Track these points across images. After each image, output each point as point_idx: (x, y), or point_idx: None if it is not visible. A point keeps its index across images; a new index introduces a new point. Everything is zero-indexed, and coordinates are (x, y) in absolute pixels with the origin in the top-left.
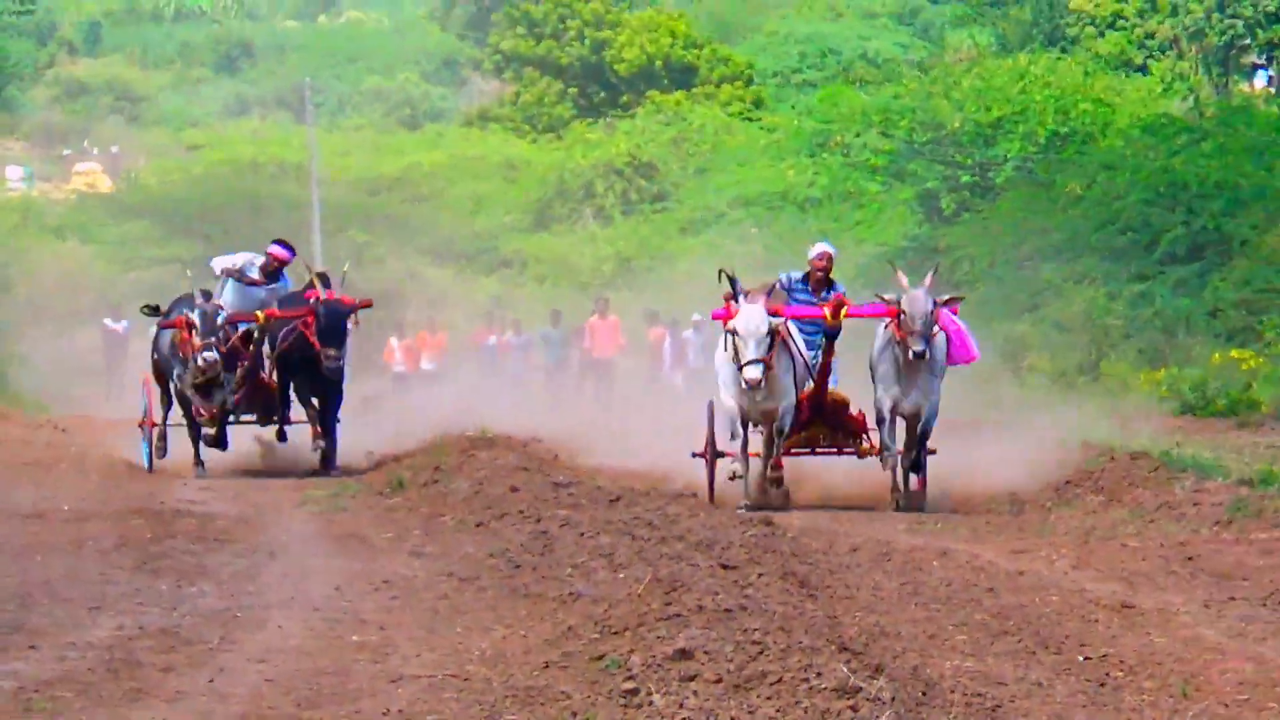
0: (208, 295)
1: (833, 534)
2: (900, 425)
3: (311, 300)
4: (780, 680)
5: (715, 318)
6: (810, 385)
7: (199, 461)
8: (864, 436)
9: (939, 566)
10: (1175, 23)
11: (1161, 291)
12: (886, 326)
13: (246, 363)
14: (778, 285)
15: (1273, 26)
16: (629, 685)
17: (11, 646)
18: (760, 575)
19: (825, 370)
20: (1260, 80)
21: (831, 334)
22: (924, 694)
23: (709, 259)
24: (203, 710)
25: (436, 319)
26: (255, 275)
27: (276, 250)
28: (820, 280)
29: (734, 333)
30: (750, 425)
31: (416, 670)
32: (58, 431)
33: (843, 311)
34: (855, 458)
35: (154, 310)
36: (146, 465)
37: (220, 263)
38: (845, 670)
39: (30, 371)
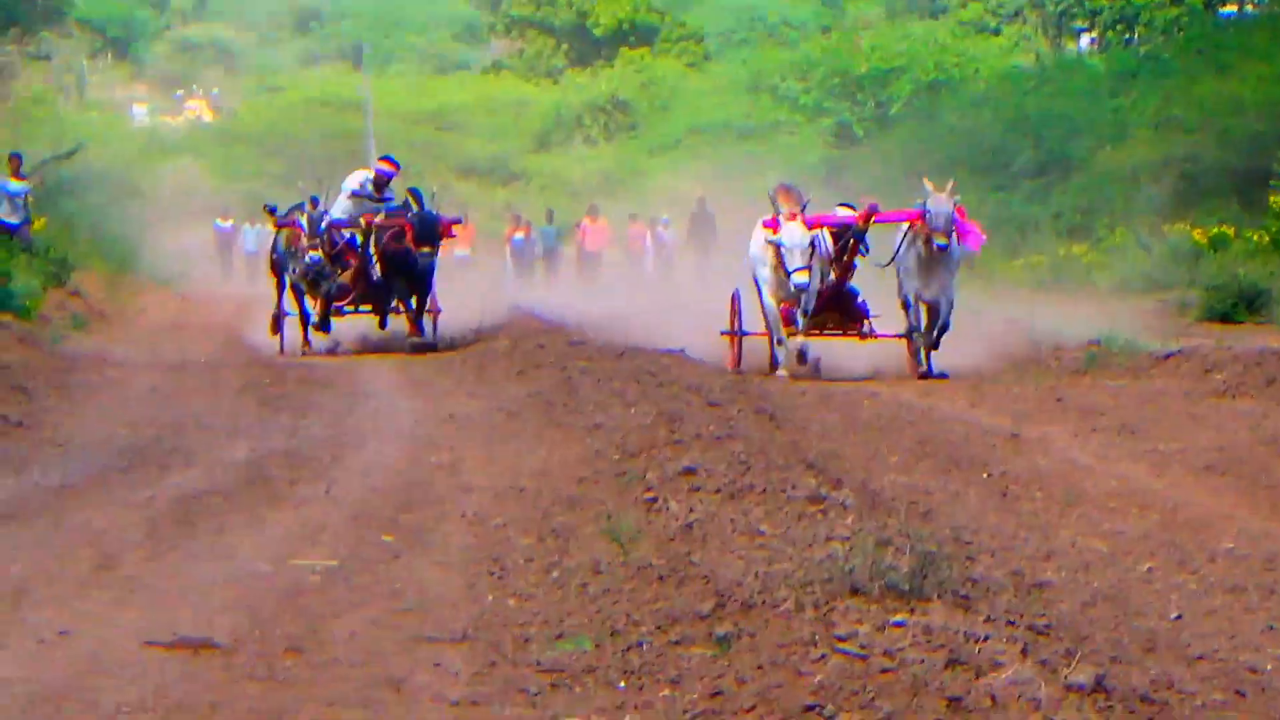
0: (316, 202)
1: (783, 379)
2: (922, 310)
3: (408, 214)
4: (765, 490)
5: (766, 226)
6: (831, 277)
7: (307, 341)
8: (866, 323)
9: (869, 405)
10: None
11: (1016, 200)
12: (910, 228)
13: (355, 263)
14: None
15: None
16: (649, 495)
17: (173, 464)
18: (739, 410)
19: (848, 266)
20: (1084, 41)
21: (860, 235)
22: (873, 501)
23: (671, 173)
24: (322, 512)
25: (467, 216)
26: (369, 190)
27: (383, 166)
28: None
29: (780, 244)
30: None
31: (483, 482)
32: (186, 302)
33: (872, 217)
34: (857, 338)
35: (272, 210)
36: (284, 349)
37: (348, 182)
38: (814, 482)
39: (160, 258)
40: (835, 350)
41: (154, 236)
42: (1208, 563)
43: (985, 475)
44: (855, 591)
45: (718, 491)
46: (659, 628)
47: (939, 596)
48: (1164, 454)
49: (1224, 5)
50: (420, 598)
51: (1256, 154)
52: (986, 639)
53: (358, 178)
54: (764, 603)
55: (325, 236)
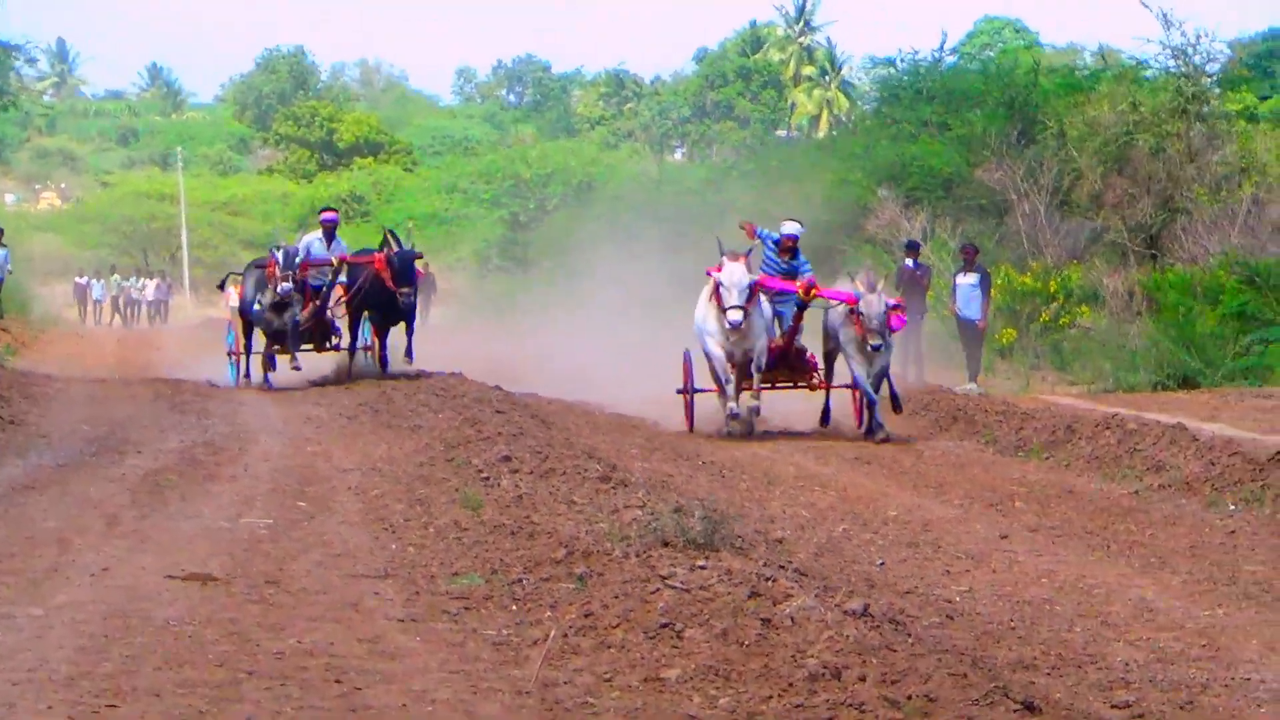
0: (294, 248)
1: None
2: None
3: (386, 253)
4: (565, 473)
5: (708, 273)
6: (778, 335)
7: (266, 377)
8: (815, 375)
9: (603, 415)
10: (633, 123)
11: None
12: (849, 312)
13: (316, 303)
14: (757, 238)
15: (686, 125)
16: (482, 475)
17: (128, 451)
18: (520, 417)
19: (795, 331)
20: (679, 155)
21: (801, 306)
22: (650, 480)
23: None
24: (248, 486)
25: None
26: (319, 245)
27: (327, 214)
28: (788, 250)
29: (720, 284)
30: (732, 366)
31: (350, 465)
32: (80, 338)
33: (813, 291)
34: (808, 390)
35: (222, 284)
36: (233, 383)
37: (301, 241)
38: (599, 467)
39: (37, 304)
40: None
41: (33, 289)
42: (883, 525)
43: (702, 463)
44: (665, 544)
45: (531, 473)
46: (527, 569)
47: (726, 548)
48: (820, 448)
49: (778, 130)
50: (343, 547)
51: (830, 235)
52: (772, 578)
53: (310, 238)
54: (599, 552)
55: (296, 271)
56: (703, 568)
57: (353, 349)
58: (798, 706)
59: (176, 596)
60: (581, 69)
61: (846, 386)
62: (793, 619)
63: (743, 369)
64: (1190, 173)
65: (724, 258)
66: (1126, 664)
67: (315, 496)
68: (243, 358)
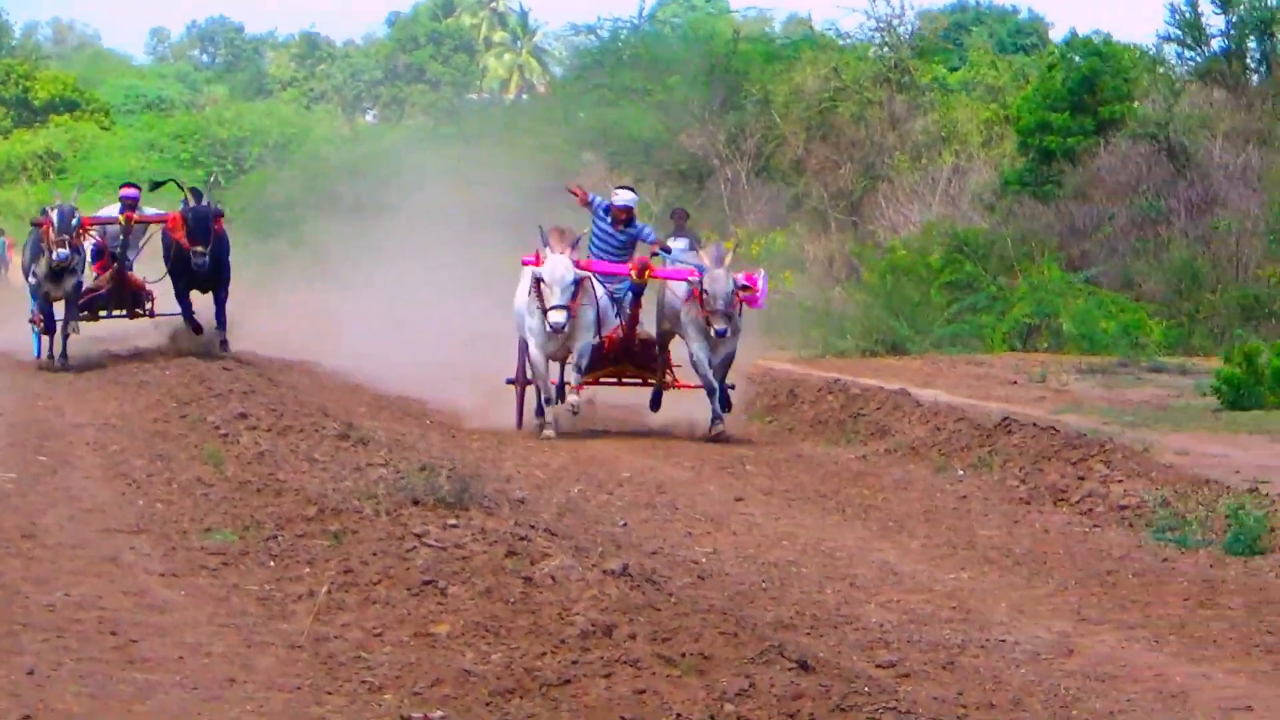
0: (70, 207)
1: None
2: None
3: (181, 210)
4: (303, 430)
5: (525, 264)
6: (615, 325)
7: (64, 354)
8: (669, 371)
9: (326, 373)
10: (325, 85)
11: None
12: (690, 289)
13: (112, 266)
14: (589, 205)
15: (378, 88)
16: (220, 431)
17: None
18: (249, 374)
19: (634, 319)
20: (370, 117)
21: (638, 290)
22: (391, 439)
23: (93, 206)
24: None
25: None
26: (117, 212)
27: (125, 190)
28: (622, 220)
29: (540, 280)
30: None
31: (84, 421)
32: None
33: (647, 272)
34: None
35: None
36: (35, 354)
37: (101, 212)
38: (335, 425)
39: None
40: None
41: None
42: (618, 487)
43: (429, 422)
44: (416, 502)
45: (269, 430)
46: (279, 526)
47: (475, 507)
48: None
49: (469, 94)
50: (92, 502)
51: (536, 199)
52: (527, 538)
53: (106, 210)
54: (350, 509)
55: (75, 233)
56: (455, 526)
57: (187, 317)
58: (574, 663)
59: None
60: (274, 31)
61: (699, 386)
62: (553, 578)
63: (564, 370)
64: (892, 141)
65: (546, 248)
66: (882, 625)
67: (54, 451)
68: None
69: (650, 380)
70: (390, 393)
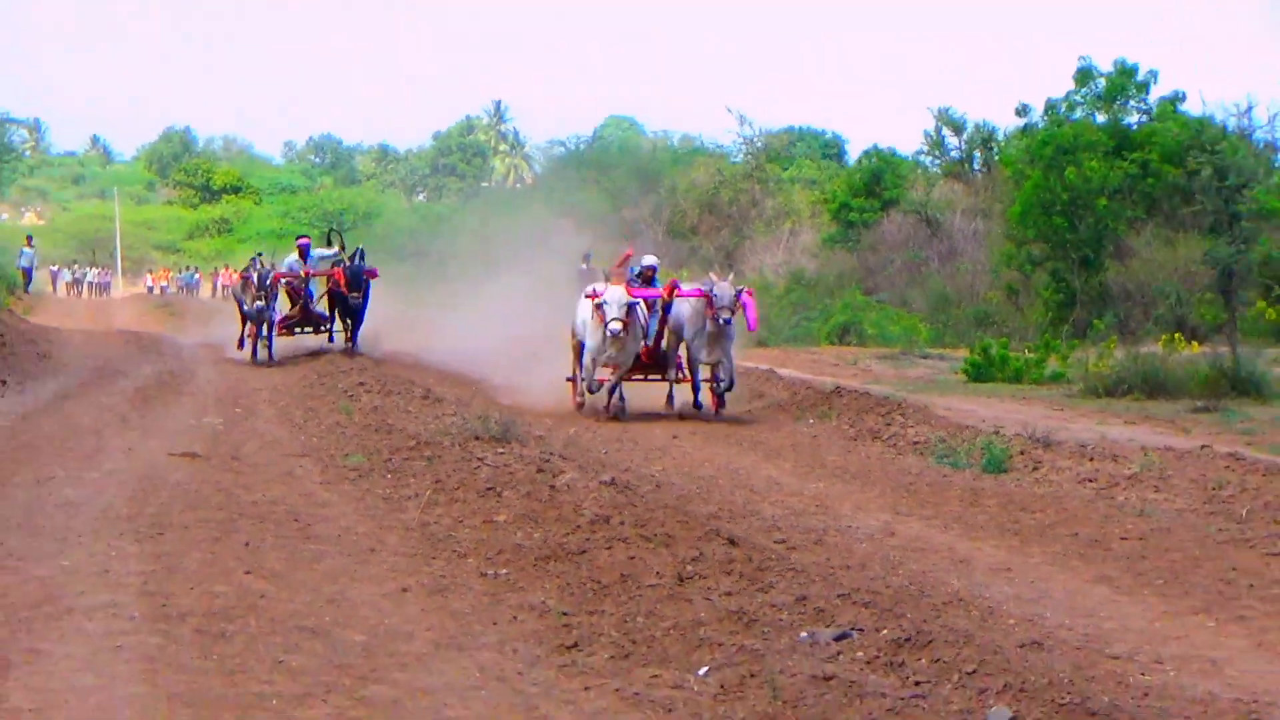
0: (256, 263)
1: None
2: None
3: (342, 267)
4: (401, 394)
5: (588, 297)
6: (650, 341)
7: (270, 356)
8: (679, 371)
9: (388, 362)
10: (393, 177)
11: None
12: (698, 310)
13: (302, 299)
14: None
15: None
16: (348, 393)
17: (120, 376)
18: (359, 361)
19: (660, 335)
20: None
21: (666, 307)
22: (457, 397)
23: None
24: (201, 399)
25: None
26: (297, 262)
27: (301, 240)
28: (647, 280)
29: (605, 302)
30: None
31: (260, 387)
32: (56, 304)
33: (675, 292)
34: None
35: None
36: (252, 359)
37: (284, 262)
38: (418, 388)
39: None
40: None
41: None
42: (600, 428)
43: (477, 389)
44: (477, 438)
45: (379, 392)
46: (392, 453)
47: (515, 440)
48: (554, 386)
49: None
50: (273, 436)
51: (529, 247)
52: (549, 459)
53: (290, 259)
54: (435, 442)
55: (269, 289)
56: (502, 453)
57: (331, 334)
58: (586, 539)
59: (178, 466)
60: (361, 143)
61: (706, 381)
62: (569, 486)
63: (618, 378)
64: (753, 214)
65: (605, 283)
66: (774, 516)
67: (246, 406)
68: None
69: (665, 378)
70: (456, 372)
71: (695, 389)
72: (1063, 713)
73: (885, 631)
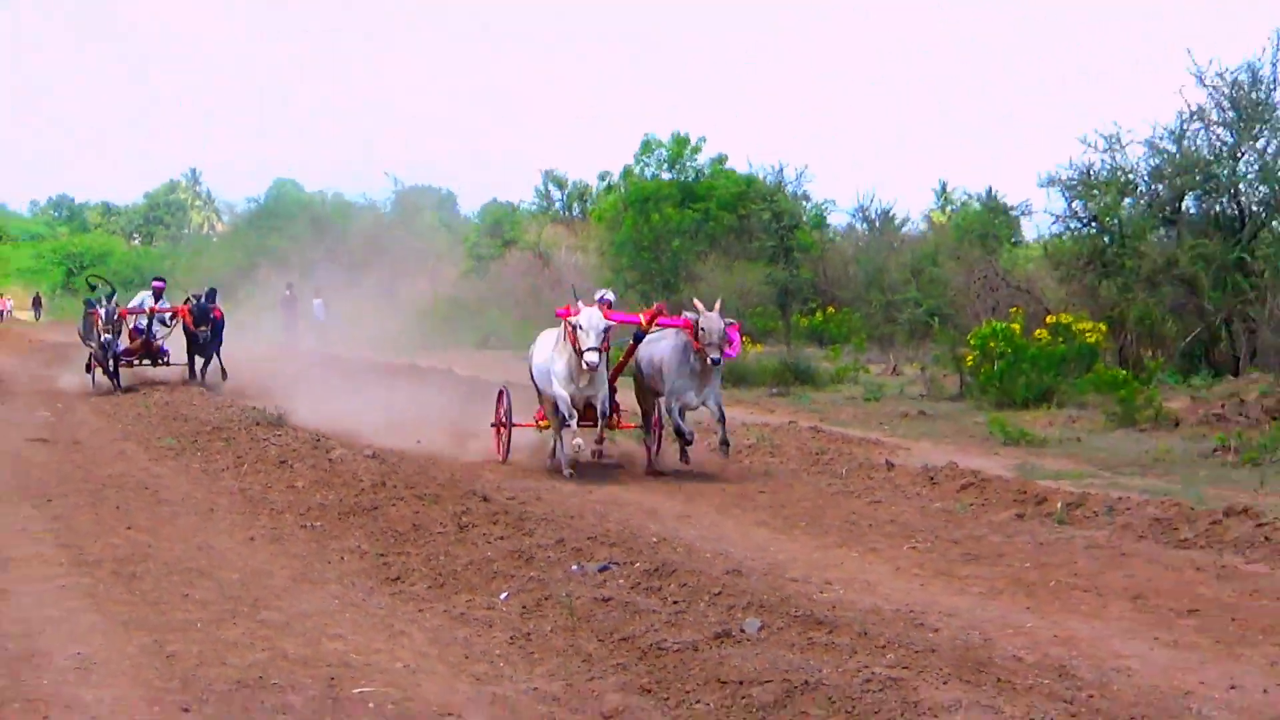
0: (111, 297)
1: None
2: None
3: (189, 305)
4: (192, 392)
5: (559, 315)
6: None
7: (117, 385)
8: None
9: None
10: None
11: None
12: (680, 342)
13: (143, 336)
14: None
15: None
16: (165, 399)
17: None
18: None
19: (625, 361)
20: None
21: (639, 337)
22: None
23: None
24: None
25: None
26: (150, 298)
27: (156, 283)
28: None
29: (579, 326)
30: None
31: (93, 398)
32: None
33: (654, 321)
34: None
35: (88, 303)
36: (91, 385)
37: (134, 299)
38: (208, 389)
39: None
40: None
41: None
42: (356, 417)
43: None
44: (258, 424)
45: (165, 390)
46: (196, 435)
47: (288, 424)
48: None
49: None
50: (96, 426)
51: None
52: (320, 439)
53: (140, 295)
54: (227, 427)
55: (114, 324)
56: (281, 434)
57: (190, 369)
58: (374, 499)
59: (37, 449)
60: (89, 200)
61: (638, 426)
62: (341, 458)
63: (583, 412)
64: (405, 251)
65: (579, 302)
66: (495, 481)
67: (65, 403)
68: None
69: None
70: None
71: (658, 441)
72: (798, 623)
73: (638, 564)
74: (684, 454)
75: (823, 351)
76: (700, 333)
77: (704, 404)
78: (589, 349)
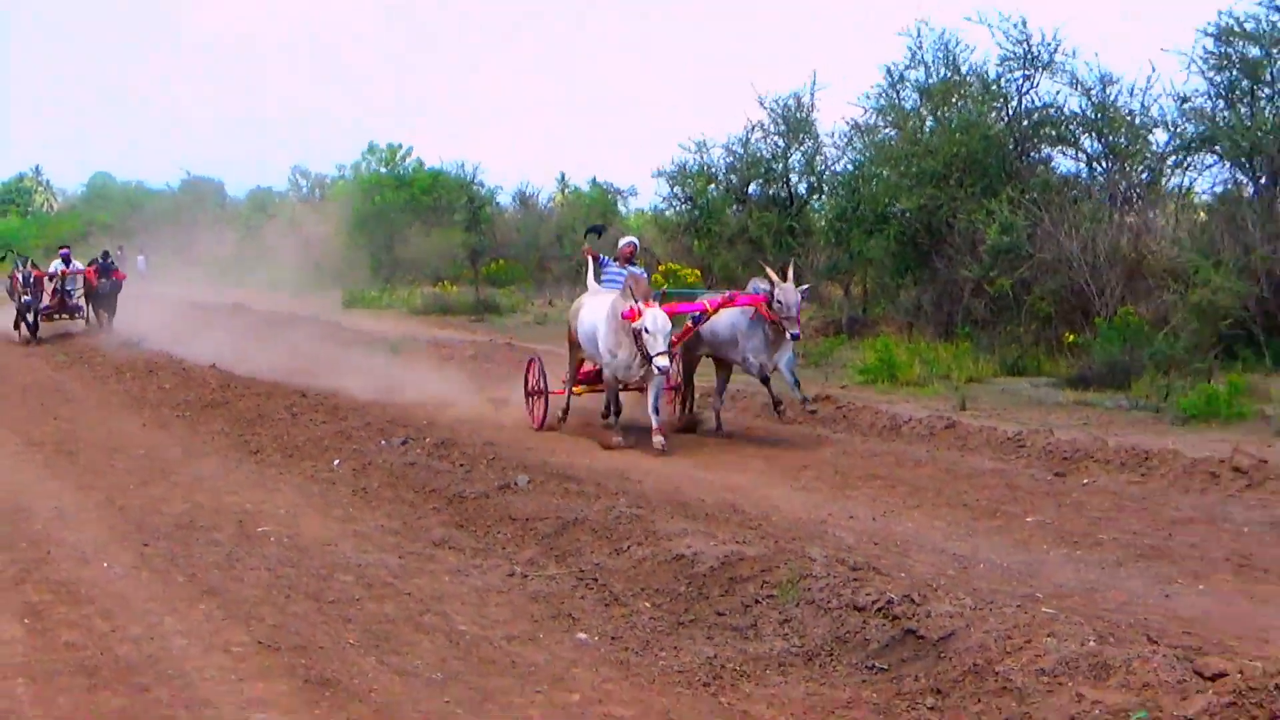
0: (26, 261)
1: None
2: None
3: (95, 266)
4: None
5: (625, 317)
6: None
7: (34, 335)
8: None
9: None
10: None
11: None
12: (749, 317)
13: (58, 294)
14: (600, 261)
15: None
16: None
17: None
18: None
19: (682, 338)
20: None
21: (698, 320)
22: None
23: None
24: None
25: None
26: (61, 264)
27: (63, 250)
28: (626, 258)
29: (644, 329)
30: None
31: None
32: None
33: (724, 305)
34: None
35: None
36: (18, 338)
37: (50, 266)
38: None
39: None
40: None
41: None
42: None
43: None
44: (122, 345)
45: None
46: (80, 354)
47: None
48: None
49: None
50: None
51: None
52: (170, 355)
53: (56, 262)
54: (98, 349)
55: (33, 286)
56: (144, 351)
57: (87, 318)
58: (224, 397)
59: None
60: None
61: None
62: (193, 368)
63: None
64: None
65: (638, 303)
66: (303, 385)
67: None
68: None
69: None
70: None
71: (766, 384)
72: (554, 478)
73: (429, 439)
74: (778, 408)
75: (501, 291)
76: (777, 305)
77: (776, 367)
78: (658, 353)
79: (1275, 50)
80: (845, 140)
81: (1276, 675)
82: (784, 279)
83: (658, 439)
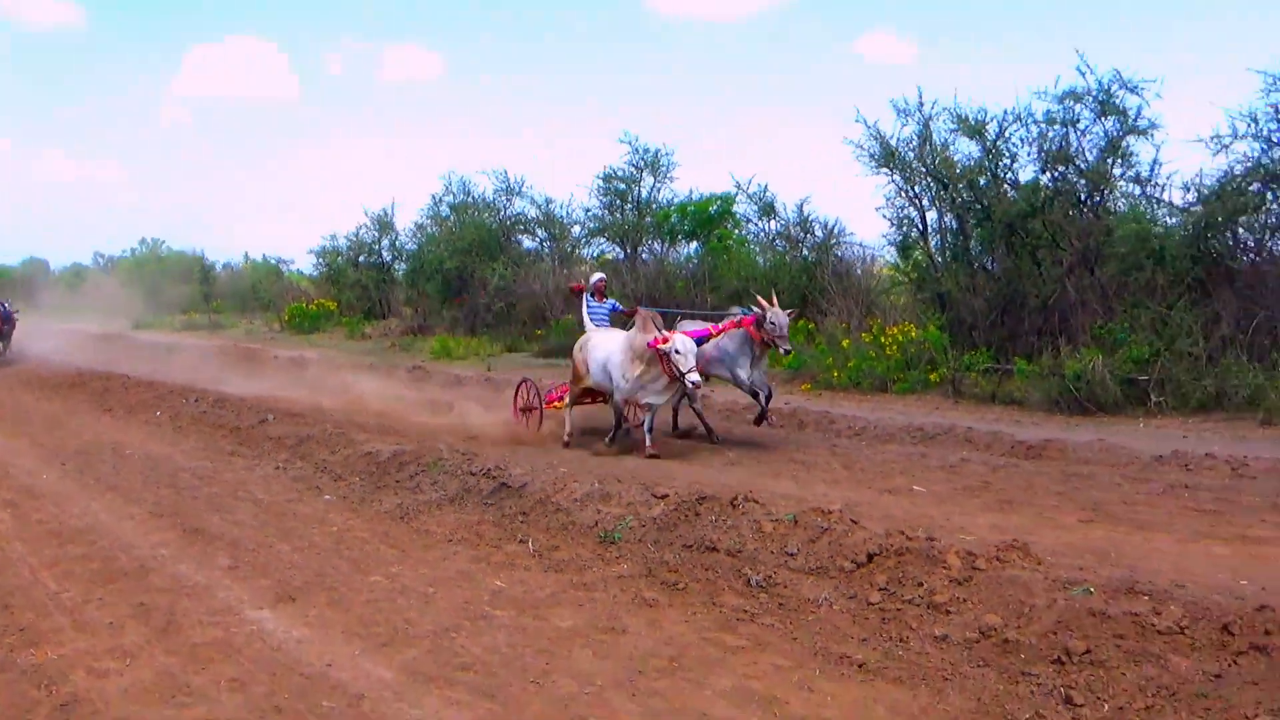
0: None
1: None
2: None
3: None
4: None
5: (652, 346)
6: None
7: None
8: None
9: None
10: None
11: None
12: (740, 338)
13: None
14: (583, 294)
15: None
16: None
17: None
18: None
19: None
20: None
21: (703, 340)
22: None
23: None
24: None
25: None
26: None
27: None
28: (600, 293)
29: (674, 351)
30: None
31: None
32: None
33: (727, 328)
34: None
35: None
36: None
37: None
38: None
39: None
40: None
41: None
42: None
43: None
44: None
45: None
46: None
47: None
48: None
49: None
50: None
51: None
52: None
53: None
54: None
55: None
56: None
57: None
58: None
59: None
60: None
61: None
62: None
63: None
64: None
65: (662, 331)
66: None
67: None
68: None
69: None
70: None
71: (756, 398)
72: (289, 416)
73: (210, 399)
74: (764, 417)
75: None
76: (769, 326)
77: (752, 382)
78: (689, 370)
79: (644, 174)
80: (412, 232)
81: (693, 495)
82: (771, 305)
83: (650, 451)
